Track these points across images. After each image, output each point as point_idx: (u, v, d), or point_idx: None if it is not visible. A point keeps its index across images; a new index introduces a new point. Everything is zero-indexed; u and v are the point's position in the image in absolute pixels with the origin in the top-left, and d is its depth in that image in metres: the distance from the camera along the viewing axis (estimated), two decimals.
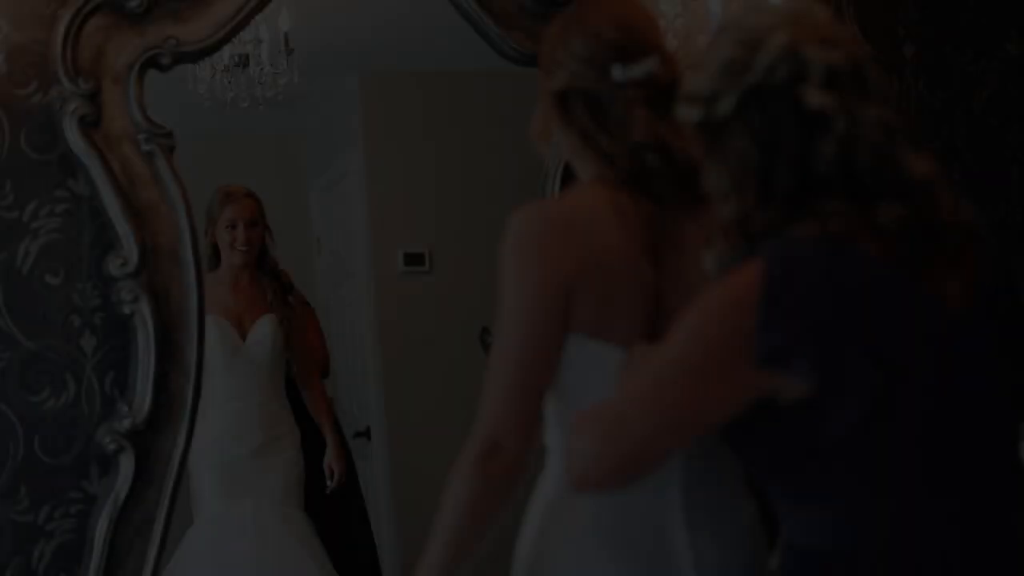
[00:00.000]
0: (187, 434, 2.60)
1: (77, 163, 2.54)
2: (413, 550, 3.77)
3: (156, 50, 2.58)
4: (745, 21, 1.45)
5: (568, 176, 2.88)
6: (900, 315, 1.38)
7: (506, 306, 1.64)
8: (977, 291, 1.44)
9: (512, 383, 1.60)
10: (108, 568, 2.53)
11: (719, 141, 1.44)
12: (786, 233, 1.40)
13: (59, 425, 2.57)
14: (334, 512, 3.58)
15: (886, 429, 1.37)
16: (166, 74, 2.65)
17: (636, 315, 1.64)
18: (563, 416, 1.69)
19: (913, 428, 1.38)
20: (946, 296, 1.41)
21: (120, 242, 2.54)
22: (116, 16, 2.56)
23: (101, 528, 2.52)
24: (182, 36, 2.61)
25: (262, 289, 3.49)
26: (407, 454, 3.79)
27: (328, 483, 3.53)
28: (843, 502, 1.41)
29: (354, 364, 3.99)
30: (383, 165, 3.82)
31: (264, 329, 3.44)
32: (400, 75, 3.82)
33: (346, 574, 3.45)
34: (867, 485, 1.39)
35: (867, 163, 1.39)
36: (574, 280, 1.62)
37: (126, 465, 2.53)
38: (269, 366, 3.44)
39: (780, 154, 1.40)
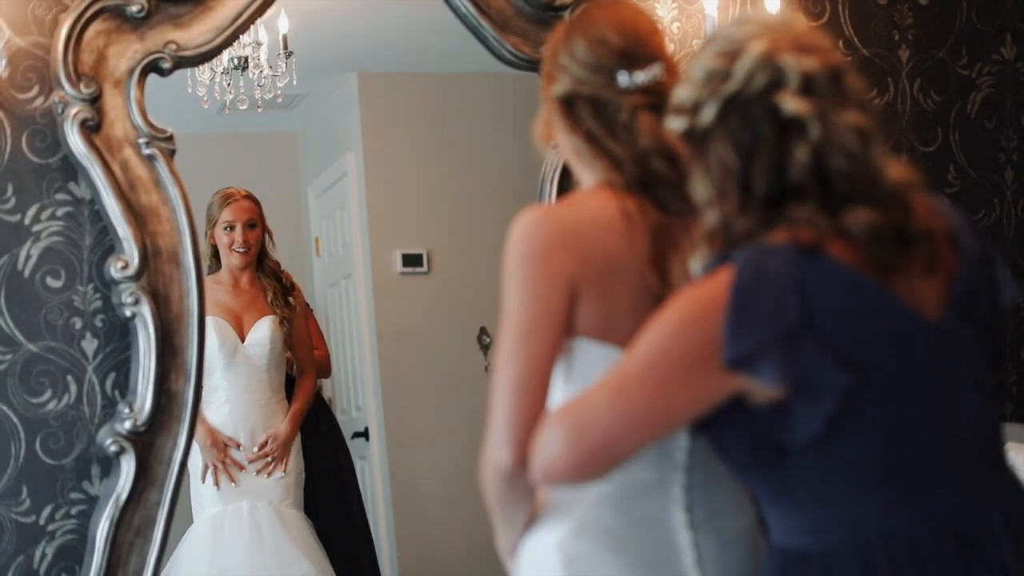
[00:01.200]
0: (187, 435, 2.61)
1: (78, 167, 2.56)
2: (411, 549, 3.79)
3: (156, 55, 2.60)
4: (726, 33, 1.48)
5: (565, 178, 2.90)
6: (868, 319, 1.40)
7: (508, 308, 1.64)
8: (953, 296, 1.46)
9: (516, 384, 1.61)
10: (109, 568, 2.54)
11: (703, 149, 1.47)
12: (761, 239, 1.42)
13: (60, 426, 2.58)
14: (333, 512, 3.59)
15: (857, 431, 1.39)
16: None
17: (640, 319, 1.64)
18: None
19: (885, 430, 1.40)
20: (919, 301, 1.43)
21: (121, 245, 2.56)
22: (117, 21, 2.57)
23: (102, 528, 2.53)
24: (182, 41, 2.63)
25: (262, 290, 3.50)
26: (405, 454, 3.80)
27: (256, 442, 3.41)
28: (818, 503, 1.43)
29: (352, 365, 4.00)
30: (381, 166, 3.82)
31: (264, 330, 3.45)
32: (399, 77, 3.82)
33: (345, 574, 3.46)
34: (841, 486, 1.42)
35: (841, 168, 1.42)
36: (577, 283, 1.63)
37: (127, 466, 2.55)
38: (269, 367, 3.45)
39: (758, 160, 1.43)
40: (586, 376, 1.67)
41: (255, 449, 3.40)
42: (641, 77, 1.69)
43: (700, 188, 1.48)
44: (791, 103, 1.41)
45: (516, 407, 1.60)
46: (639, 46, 1.71)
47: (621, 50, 1.70)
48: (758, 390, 1.39)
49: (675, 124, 1.49)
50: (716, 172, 1.45)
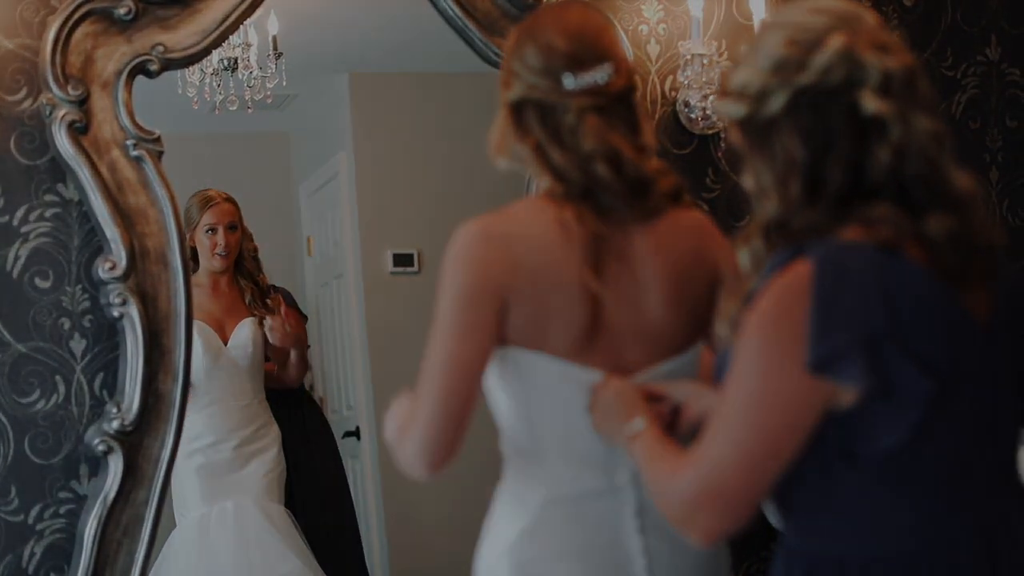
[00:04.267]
0: (175, 435, 2.63)
1: (66, 168, 2.57)
2: (400, 547, 3.80)
3: (144, 57, 2.61)
4: (795, 19, 1.43)
5: None
6: (946, 326, 1.37)
7: (440, 317, 1.67)
8: (997, 310, 1.43)
9: (440, 396, 1.64)
10: (97, 567, 2.55)
11: (764, 138, 1.42)
12: (831, 235, 1.38)
13: (49, 426, 2.60)
14: (322, 512, 3.60)
15: (928, 439, 1.37)
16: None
17: (572, 328, 1.67)
18: (512, 425, 1.74)
19: (948, 439, 1.38)
20: (975, 311, 1.41)
21: (109, 246, 2.57)
22: (105, 23, 2.58)
23: (90, 528, 2.55)
24: (170, 43, 2.64)
25: (240, 292, 3.51)
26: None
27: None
28: (868, 511, 1.40)
29: (343, 364, 4.01)
30: (372, 166, 3.83)
31: (245, 332, 3.45)
32: (389, 77, 3.83)
33: (334, 571, 3.47)
34: (895, 494, 1.39)
35: (917, 172, 1.39)
36: (507, 292, 1.65)
37: (115, 466, 2.56)
38: (250, 368, 3.46)
39: (832, 156, 1.39)
40: (520, 383, 1.69)
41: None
42: (586, 79, 1.69)
43: (756, 177, 1.44)
44: (872, 102, 1.37)
45: (436, 425, 1.63)
46: (586, 47, 1.70)
47: (568, 53, 1.70)
48: (843, 395, 1.35)
49: (734, 109, 1.45)
50: (779, 163, 1.41)
